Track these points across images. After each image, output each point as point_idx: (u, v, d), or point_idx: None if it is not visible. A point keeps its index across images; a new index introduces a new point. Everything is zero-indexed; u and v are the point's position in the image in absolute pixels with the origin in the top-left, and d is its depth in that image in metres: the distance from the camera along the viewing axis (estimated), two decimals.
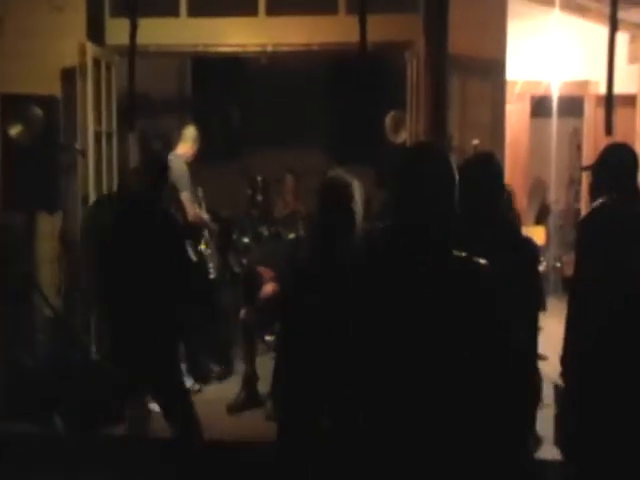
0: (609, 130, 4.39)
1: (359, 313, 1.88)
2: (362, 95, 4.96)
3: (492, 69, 5.00)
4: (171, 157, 4.95)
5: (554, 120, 6.31)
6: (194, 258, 5.08)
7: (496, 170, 3.09)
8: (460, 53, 4.86)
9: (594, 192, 3.29)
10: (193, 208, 5.23)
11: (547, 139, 6.60)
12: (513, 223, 3.64)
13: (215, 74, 7.36)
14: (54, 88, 5.03)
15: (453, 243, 1.86)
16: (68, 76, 5.03)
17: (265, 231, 6.27)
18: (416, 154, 2.05)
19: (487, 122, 5.14)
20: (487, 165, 3.10)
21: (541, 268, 4.47)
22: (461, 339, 1.76)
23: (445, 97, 4.94)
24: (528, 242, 3.07)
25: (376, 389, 1.82)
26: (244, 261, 6.09)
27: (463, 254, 1.84)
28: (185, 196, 5.14)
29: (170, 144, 5.48)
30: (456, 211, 1.90)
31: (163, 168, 3.74)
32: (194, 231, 5.23)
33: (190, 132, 5.45)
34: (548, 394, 3.61)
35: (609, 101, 4.35)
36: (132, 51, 3.92)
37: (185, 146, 5.40)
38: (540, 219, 7.53)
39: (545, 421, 3.47)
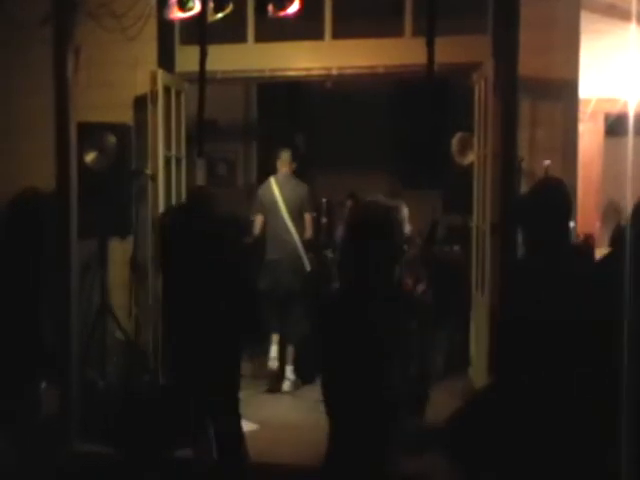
0: None
1: None
2: (428, 117, 4.90)
3: (563, 90, 4.88)
4: (280, 177, 5.66)
5: (630, 139, 6.10)
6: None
7: (565, 198, 3.02)
8: (530, 74, 4.76)
9: None
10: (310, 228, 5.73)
11: (622, 159, 6.39)
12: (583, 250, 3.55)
13: (281, 99, 7.44)
14: (127, 116, 5.18)
15: None
16: (140, 104, 5.16)
17: (330, 254, 6.28)
18: None
19: (558, 143, 5.02)
20: (556, 192, 3.04)
21: None
22: None
23: (514, 118, 4.85)
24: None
25: None
26: None
27: None
28: (308, 216, 5.70)
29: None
30: None
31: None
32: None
33: (287, 155, 5.74)
34: None
35: None
36: (202, 77, 3.98)
37: (287, 167, 5.71)
38: (614, 242, 7.28)
39: None
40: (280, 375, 5.55)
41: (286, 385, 5.53)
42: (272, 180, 5.72)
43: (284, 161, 5.71)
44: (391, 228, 2.55)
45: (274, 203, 5.63)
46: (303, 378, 5.53)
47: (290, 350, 5.57)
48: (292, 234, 5.60)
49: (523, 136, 4.91)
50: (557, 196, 3.00)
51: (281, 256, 5.58)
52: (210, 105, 6.41)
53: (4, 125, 4.92)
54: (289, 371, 5.55)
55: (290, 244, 5.60)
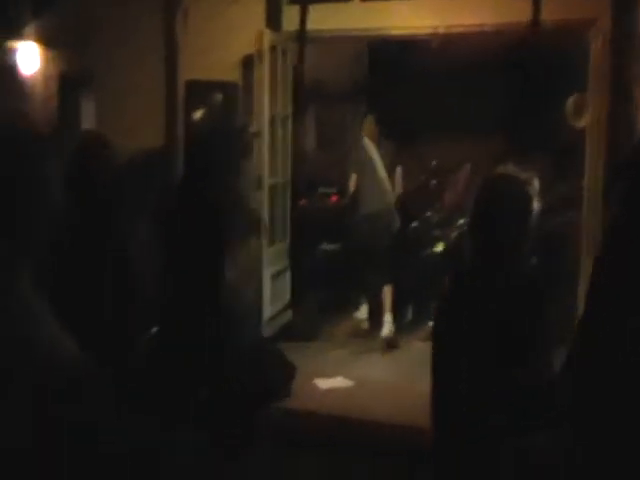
0: None
1: None
2: (539, 77, 4.72)
3: None
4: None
5: None
6: None
7: None
8: None
9: None
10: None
11: None
12: None
13: (391, 59, 7.34)
14: (235, 75, 5.30)
15: None
16: (247, 63, 5.27)
17: (435, 217, 6.22)
18: None
19: None
20: None
21: None
22: None
23: (632, 79, 4.58)
24: None
25: None
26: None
27: None
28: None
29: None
30: None
31: None
32: None
33: (370, 120, 6.02)
34: None
35: None
36: (302, 36, 4.02)
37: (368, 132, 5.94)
38: None
39: None
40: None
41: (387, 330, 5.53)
42: (365, 139, 5.91)
43: (367, 126, 5.99)
44: (527, 206, 2.26)
45: (370, 160, 5.80)
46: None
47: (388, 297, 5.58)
48: (388, 189, 5.86)
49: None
50: None
51: (380, 208, 5.68)
52: (320, 65, 6.49)
53: (119, 85, 5.16)
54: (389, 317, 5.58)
55: (388, 198, 5.81)
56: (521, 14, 4.58)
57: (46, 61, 5.06)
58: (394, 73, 7.33)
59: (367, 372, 5.12)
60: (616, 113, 4.75)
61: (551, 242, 5.65)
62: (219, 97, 5.08)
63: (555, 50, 5.27)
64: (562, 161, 5.77)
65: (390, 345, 5.46)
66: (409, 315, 5.91)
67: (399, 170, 6.13)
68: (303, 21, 4.04)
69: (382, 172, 5.84)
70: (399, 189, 6.18)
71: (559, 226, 6.00)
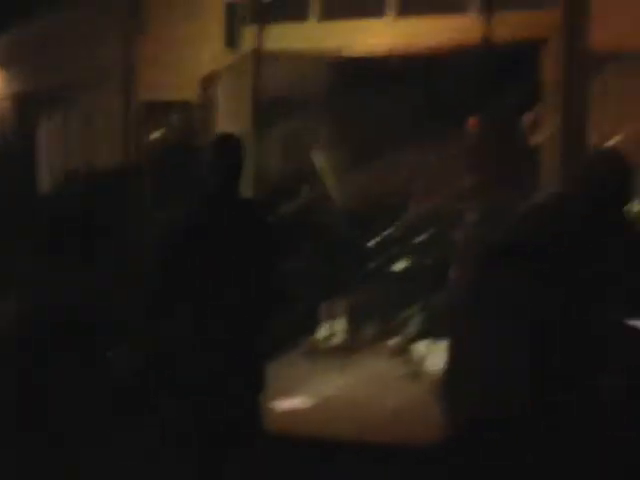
0: None
1: None
2: (492, 95, 4.80)
3: (634, 61, 4.66)
4: None
5: None
6: None
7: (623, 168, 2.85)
8: (599, 47, 4.58)
9: None
10: None
11: None
12: None
13: (350, 76, 7.39)
14: (194, 94, 5.30)
15: None
16: (207, 82, 5.28)
17: (396, 233, 6.27)
18: None
19: (634, 117, 4.81)
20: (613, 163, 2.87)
21: None
22: None
23: (583, 95, 4.69)
24: None
25: None
26: None
27: None
28: None
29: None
30: None
31: None
32: None
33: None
34: None
35: None
36: (260, 55, 4.05)
37: None
38: None
39: None
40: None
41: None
42: (321, 152, 6.11)
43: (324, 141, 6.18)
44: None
45: (324, 171, 6.02)
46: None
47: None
48: (342, 200, 6.06)
49: (593, 112, 4.74)
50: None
51: (334, 218, 5.89)
52: (284, 82, 6.51)
53: (77, 105, 5.12)
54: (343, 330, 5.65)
55: (341, 209, 5.99)
56: (475, 34, 4.66)
57: (1, 82, 5.02)
58: (353, 90, 7.39)
59: (326, 390, 5.10)
60: (569, 129, 4.87)
61: None
62: (178, 117, 5.07)
63: (508, 68, 5.35)
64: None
65: (345, 355, 5.51)
66: (370, 331, 5.93)
67: (357, 183, 6.15)
68: (260, 40, 4.06)
69: (336, 184, 5.92)
70: (355, 202, 6.21)
71: None
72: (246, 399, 3.04)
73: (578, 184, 2.88)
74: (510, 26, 4.79)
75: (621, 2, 4.65)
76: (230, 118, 5.28)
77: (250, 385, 3.06)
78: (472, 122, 5.54)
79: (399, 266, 5.81)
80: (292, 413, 3.99)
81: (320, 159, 5.99)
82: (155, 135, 5.01)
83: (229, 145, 3.13)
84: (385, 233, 5.98)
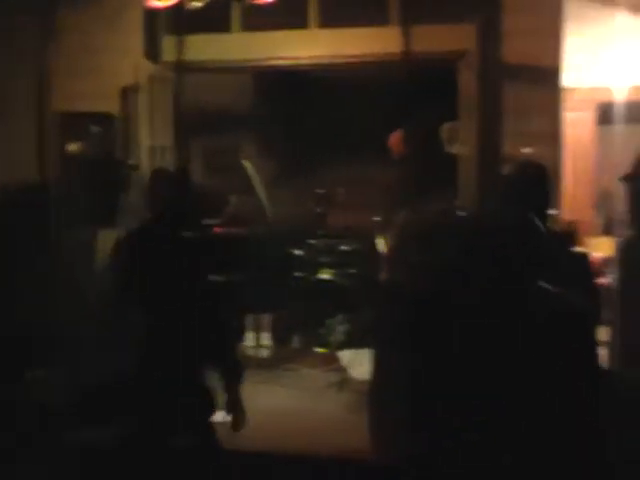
0: None
1: None
2: (413, 106, 4.90)
3: (548, 76, 4.83)
4: None
5: (622, 128, 6.01)
6: None
7: (542, 181, 2.95)
8: (514, 61, 4.73)
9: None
10: None
11: (618, 148, 6.30)
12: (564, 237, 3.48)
13: (277, 88, 7.41)
14: (113, 106, 5.19)
15: None
16: (126, 93, 5.17)
17: (320, 243, 6.29)
18: None
19: (545, 131, 4.98)
20: (533, 176, 2.97)
21: (606, 280, 4.28)
22: None
23: (498, 107, 4.83)
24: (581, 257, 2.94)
25: None
26: None
27: None
28: None
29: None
30: None
31: None
32: None
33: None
34: None
35: None
36: (180, 67, 4.00)
37: None
38: (608, 231, 7.23)
39: None
40: None
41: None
42: (245, 162, 6.17)
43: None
44: None
45: (250, 179, 6.07)
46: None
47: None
48: (269, 210, 6.15)
49: (508, 124, 4.88)
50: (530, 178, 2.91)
51: (261, 228, 5.91)
52: (205, 94, 6.46)
53: None
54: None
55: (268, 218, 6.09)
56: (396, 46, 4.73)
57: None
58: (278, 101, 7.41)
59: (254, 402, 5.05)
60: (485, 142, 4.99)
61: None
62: (95, 129, 4.95)
63: (425, 80, 5.47)
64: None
65: (271, 366, 5.50)
66: (295, 342, 5.92)
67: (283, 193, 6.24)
68: (181, 51, 4.01)
69: (262, 193, 5.99)
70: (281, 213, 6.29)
71: None
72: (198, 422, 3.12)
73: (503, 192, 2.99)
74: (429, 39, 4.90)
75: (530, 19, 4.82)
76: (151, 130, 5.19)
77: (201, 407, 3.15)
78: (394, 135, 5.64)
79: (324, 276, 5.83)
80: (220, 427, 3.92)
81: (250, 168, 6.00)
82: (72, 147, 4.86)
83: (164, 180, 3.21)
84: (310, 243, 5.99)
